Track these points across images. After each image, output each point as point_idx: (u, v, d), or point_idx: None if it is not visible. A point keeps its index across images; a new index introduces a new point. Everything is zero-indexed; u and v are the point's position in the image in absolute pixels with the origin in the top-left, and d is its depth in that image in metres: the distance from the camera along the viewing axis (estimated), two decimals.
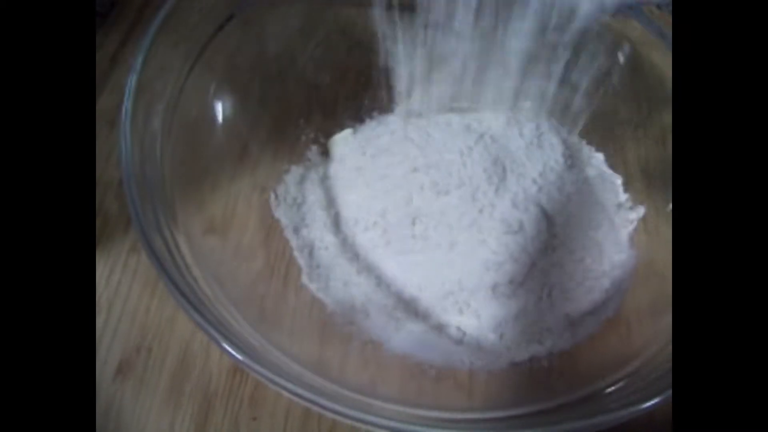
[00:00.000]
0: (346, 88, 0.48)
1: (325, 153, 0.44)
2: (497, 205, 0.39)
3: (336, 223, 0.41)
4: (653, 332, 0.37)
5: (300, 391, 0.28)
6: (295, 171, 0.44)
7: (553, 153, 0.41)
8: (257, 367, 0.28)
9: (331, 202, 0.42)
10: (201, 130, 0.42)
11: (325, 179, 0.43)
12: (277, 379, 0.28)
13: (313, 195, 0.42)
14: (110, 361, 0.39)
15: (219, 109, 0.43)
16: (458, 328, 0.38)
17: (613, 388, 0.33)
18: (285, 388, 0.28)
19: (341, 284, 0.39)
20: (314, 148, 0.45)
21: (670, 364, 0.32)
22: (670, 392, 0.28)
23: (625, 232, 0.42)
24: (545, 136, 0.42)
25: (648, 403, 0.29)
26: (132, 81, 0.36)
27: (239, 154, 0.44)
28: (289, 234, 0.41)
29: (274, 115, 0.46)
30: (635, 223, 0.43)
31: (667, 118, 0.46)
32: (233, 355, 0.29)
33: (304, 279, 0.40)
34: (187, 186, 0.40)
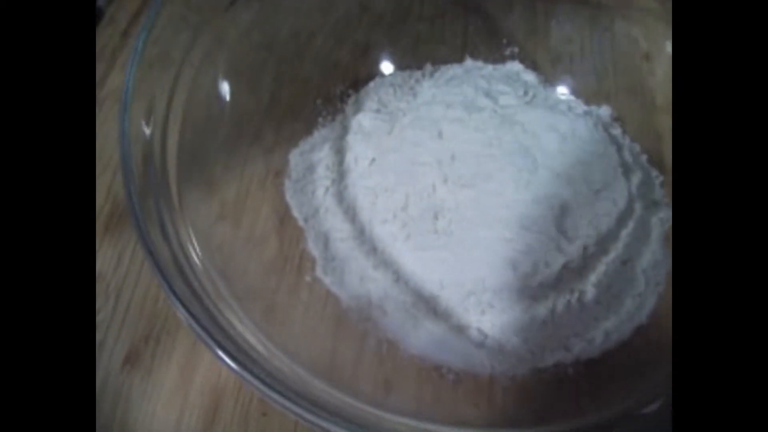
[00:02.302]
0: (367, 66, 0.43)
1: (343, 135, 0.40)
2: (526, 202, 0.34)
3: (353, 213, 0.37)
4: None
5: (300, 411, 0.24)
6: (311, 154, 0.40)
7: (589, 146, 0.36)
8: (255, 383, 0.25)
9: (347, 190, 0.37)
10: (211, 111, 0.38)
11: (342, 164, 0.38)
12: (276, 396, 0.24)
13: (329, 181, 0.38)
14: (118, 351, 0.37)
15: (231, 88, 0.39)
16: (480, 330, 0.34)
17: (648, 409, 0.29)
18: (283, 406, 0.25)
19: (357, 278, 0.35)
20: (332, 129, 0.41)
21: None
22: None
23: (661, 231, 0.37)
24: (581, 127, 0.36)
25: None
26: (134, 59, 0.32)
27: (253, 135, 0.40)
28: (303, 222, 0.37)
29: (291, 95, 0.42)
30: (671, 221, 0.38)
31: None
32: (230, 366, 0.25)
33: (319, 271, 0.36)
34: (196, 169, 0.37)
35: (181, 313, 0.26)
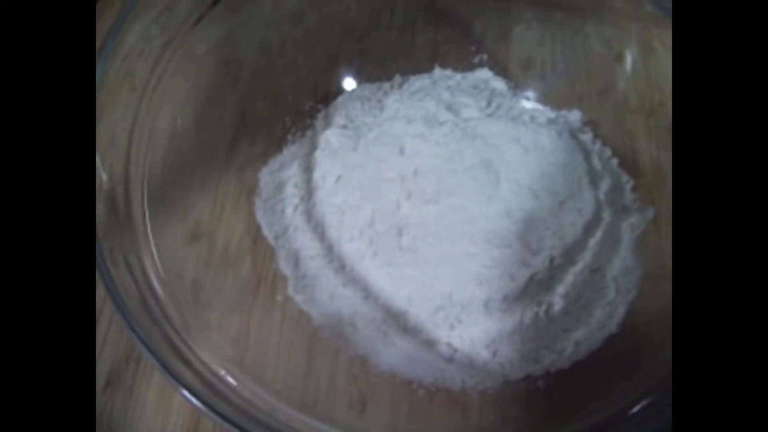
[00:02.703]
0: (337, 79, 0.43)
1: (311, 152, 0.39)
2: (489, 216, 0.34)
3: (321, 230, 0.37)
4: (665, 344, 0.33)
5: None
6: (280, 172, 0.40)
7: (552, 157, 0.35)
8: (223, 423, 0.25)
9: (315, 208, 0.37)
10: (180, 131, 0.38)
11: (310, 182, 0.38)
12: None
13: (298, 199, 0.38)
14: (100, 372, 0.37)
15: (201, 106, 0.39)
16: (449, 345, 0.34)
17: (631, 411, 0.29)
18: None
19: (327, 296, 0.35)
20: (301, 146, 0.41)
21: None
22: None
23: (632, 237, 0.37)
24: (544, 138, 0.36)
25: None
26: (97, 83, 0.32)
27: (225, 154, 0.40)
28: (273, 241, 0.37)
29: (262, 111, 0.41)
30: (643, 226, 0.38)
31: None
32: (198, 407, 0.26)
33: (290, 290, 0.36)
34: (167, 191, 0.37)
35: (147, 357, 0.27)
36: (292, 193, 0.38)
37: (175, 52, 0.37)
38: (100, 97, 0.32)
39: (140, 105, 0.35)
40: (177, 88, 0.38)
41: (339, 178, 0.37)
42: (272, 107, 0.42)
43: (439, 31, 0.44)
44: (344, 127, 0.39)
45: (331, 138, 0.38)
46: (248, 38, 0.42)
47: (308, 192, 0.38)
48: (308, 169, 0.38)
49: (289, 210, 0.38)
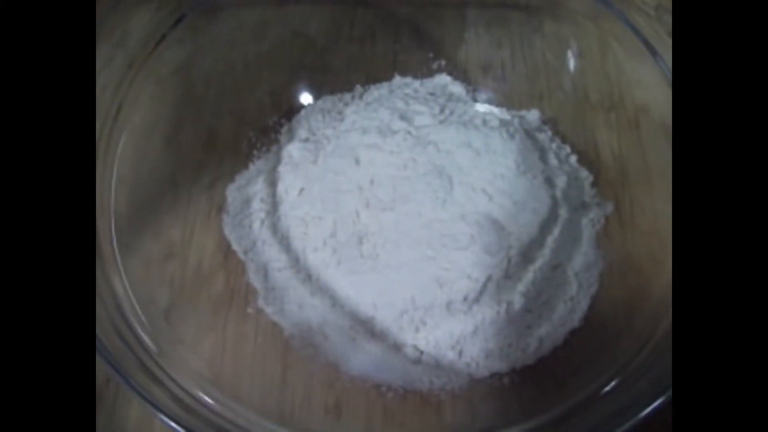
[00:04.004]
0: (300, 93, 0.44)
1: (275, 166, 0.41)
2: (444, 220, 0.35)
3: (287, 243, 0.38)
4: (630, 332, 0.34)
5: None
6: (246, 188, 0.41)
7: (504, 159, 0.37)
8: None
9: (280, 221, 0.39)
10: (149, 150, 0.40)
11: (275, 196, 0.40)
12: None
13: (264, 213, 0.40)
14: None
15: (167, 128, 0.41)
16: (415, 347, 0.35)
17: (596, 397, 0.31)
18: None
19: (296, 306, 0.37)
20: (266, 161, 0.42)
21: (655, 369, 0.30)
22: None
23: (592, 232, 0.38)
24: (495, 140, 0.38)
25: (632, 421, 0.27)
26: None
27: (194, 173, 0.42)
28: (243, 256, 0.39)
29: (228, 128, 0.43)
30: (602, 221, 0.39)
31: (640, 97, 0.42)
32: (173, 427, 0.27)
33: (260, 302, 0.38)
34: (140, 211, 0.39)
35: (122, 385, 0.28)
36: (258, 208, 0.40)
37: (137, 74, 0.39)
38: None
39: (103, 129, 0.37)
40: (142, 111, 0.39)
41: (301, 190, 0.39)
42: (237, 124, 0.43)
43: (398, 39, 0.45)
44: (306, 140, 0.40)
45: (293, 152, 0.40)
46: (211, 57, 0.43)
47: (273, 206, 0.39)
48: (273, 183, 0.40)
49: (256, 224, 0.39)
